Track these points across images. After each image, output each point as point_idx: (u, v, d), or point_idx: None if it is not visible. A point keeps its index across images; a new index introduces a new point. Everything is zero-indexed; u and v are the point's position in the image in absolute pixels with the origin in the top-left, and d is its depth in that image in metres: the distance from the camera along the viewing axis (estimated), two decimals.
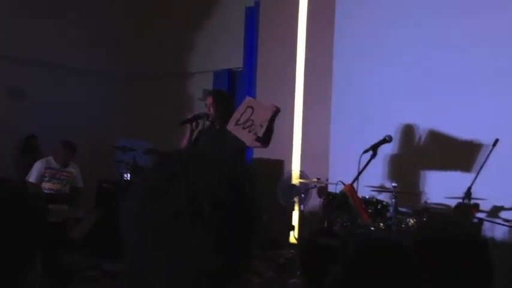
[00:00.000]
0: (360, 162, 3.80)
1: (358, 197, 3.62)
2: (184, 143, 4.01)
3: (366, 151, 3.84)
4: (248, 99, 4.13)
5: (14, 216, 0.88)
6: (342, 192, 3.54)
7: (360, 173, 3.71)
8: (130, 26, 8.81)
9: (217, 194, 0.69)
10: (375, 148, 3.82)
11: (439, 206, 4.94)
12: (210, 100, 4.16)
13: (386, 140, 4.03)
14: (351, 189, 3.50)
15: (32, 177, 5.50)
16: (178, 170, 0.71)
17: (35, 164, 5.60)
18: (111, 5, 8.65)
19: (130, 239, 0.71)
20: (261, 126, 3.96)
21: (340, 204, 3.50)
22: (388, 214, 4.69)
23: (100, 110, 8.37)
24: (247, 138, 3.99)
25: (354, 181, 3.69)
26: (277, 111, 4.03)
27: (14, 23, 7.55)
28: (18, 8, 7.63)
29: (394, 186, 4.67)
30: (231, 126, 3.98)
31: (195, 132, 4.07)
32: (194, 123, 4.09)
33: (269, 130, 4.04)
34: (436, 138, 5.32)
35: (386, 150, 5.47)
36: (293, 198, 5.87)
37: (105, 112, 8.41)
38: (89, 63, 8.28)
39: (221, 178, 0.71)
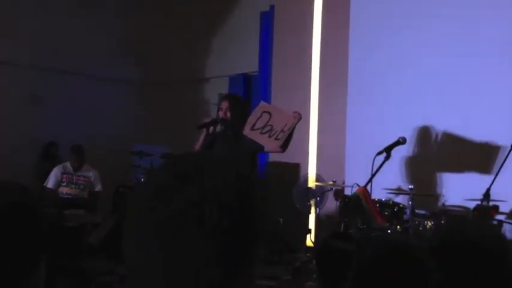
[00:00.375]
0: (373, 164, 3.76)
1: (371, 199, 3.58)
2: (197, 147, 4.00)
3: (379, 153, 3.79)
4: (263, 104, 4.12)
5: (13, 220, 0.88)
6: (355, 195, 3.50)
7: (373, 175, 3.67)
8: (148, 33, 8.89)
9: (224, 200, 0.68)
10: (388, 150, 3.77)
11: (457, 208, 4.87)
12: (226, 104, 4.10)
13: (400, 141, 3.98)
14: (364, 191, 3.46)
15: (50, 183, 5.59)
16: (186, 173, 0.70)
17: (53, 170, 5.69)
18: (129, 13, 8.74)
19: (130, 240, 0.70)
20: (283, 131, 3.94)
21: (354, 207, 3.46)
22: (405, 217, 4.64)
23: (117, 116, 8.45)
24: (267, 143, 3.98)
25: (367, 183, 3.65)
26: (300, 118, 4.03)
27: (35, 32, 7.68)
28: (39, 17, 7.76)
29: (410, 189, 4.62)
30: (247, 131, 3.97)
31: (209, 137, 4.05)
32: (211, 128, 4.06)
33: (291, 136, 4.04)
34: (454, 139, 5.26)
35: (403, 152, 5.42)
36: (309, 202, 5.85)
37: (122, 118, 8.49)
38: (107, 70, 8.38)
39: (229, 184, 0.70)
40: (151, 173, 0.75)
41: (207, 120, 4.05)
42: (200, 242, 0.66)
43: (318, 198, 5.79)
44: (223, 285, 0.68)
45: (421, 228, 4.63)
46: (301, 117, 4.05)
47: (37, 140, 7.66)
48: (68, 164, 5.68)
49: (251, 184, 0.74)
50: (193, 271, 0.66)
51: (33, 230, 0.90)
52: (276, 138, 3.96)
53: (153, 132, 8.51)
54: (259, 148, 4.07)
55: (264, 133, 3.96)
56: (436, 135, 5.41)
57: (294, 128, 4.02)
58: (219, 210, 0.67)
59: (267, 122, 3.96)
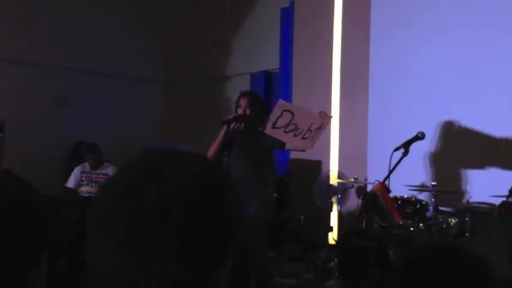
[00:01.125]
0: (390, 160, 3.69)
1: (389, 196, 3.52)
2: (216, 143, 3.99)
3: (397, 149, 3.73)
4: (282, 103, 4.09)
5: (8, 218, 0.88)
6: (373, 192, 3.45)
7: (391, 171, 3.61)
8: (169, 32, 8.96)
9: (190, 196, 0.64)
10: (406, 145, 3.70)
11: (483, 205, 4.77)
12: (245, 101, 4.06)
13: (419, 137, 3.90)
14: (381, 188, 3.41)
15: (70, 182, 5.69)
16: (152, 170, 0.66)
17: (74, 170, 5.78)
18: (150, 13, 8.82)
19: (93, 240, 0.67)
20: (310, 130, 3.91)
21: (372, 204, 3.41)
22: (428, 214, 4.57)
23: (141, 115, 8.54)
24: (294, 142, 3.96)
25: (384, 180, 3.59)
26: (330, 118, 4.04)
27: (58, 32, 7.81)
28: (62, 18, 7.89)
29: (433, 185, 4.54)
30: (268, 130, 3.96)
31: (229, 133, 4.04)
32: (233, 125, 4.05)
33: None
34: (478, 135, 5.15)
35: (426, 148, 5.34)
36: (330, 199, 5.81)
37: (145, 117, 8.58)
38: (130, 70, 8.48)
39: (197, 179, 0.66)
40: (118, 171, 0.71)
41: (229, 116, 4.04)
42: (164, 240, 0.62)
43: (339, 196, 5.74)
44: (189, 287, 0.64)
45: (444, 226, 4.56)
46: (331, 117, 4.04)
47: (64, 140, 7.79)
48: (87, 164, 5.75)
49: (223, 180, 0.70)
50: (157, 271, 0.62)
51: (29, 229, 0.90)
52: (303, 137, 3.94)
53: (175, 130, 8.56)
54: (280, 146, 4.05)
55: (288, 132, 3.93)
56: (460, 131, 5.31)
57: (324, 128, 4.01)
58: (185, 205, 0.63)
59: (290, 121, 3.93)
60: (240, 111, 4.04)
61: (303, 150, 4.12)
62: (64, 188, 5.80)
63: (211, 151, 3.96)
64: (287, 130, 3.93)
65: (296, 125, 3.92)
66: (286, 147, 4.10)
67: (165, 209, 0.63)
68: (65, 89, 7.95)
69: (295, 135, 3.92)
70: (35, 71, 7.69)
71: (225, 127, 3.95)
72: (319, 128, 3.96)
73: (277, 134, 3.94)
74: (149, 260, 0.63)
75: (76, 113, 7.98)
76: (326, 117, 4.03)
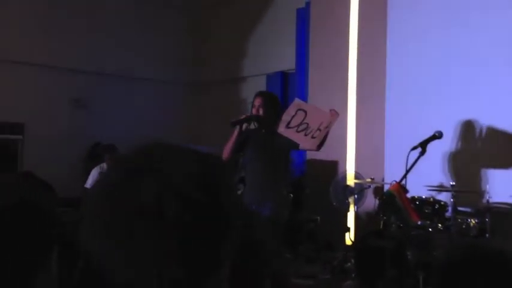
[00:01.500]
0: (407, 159, 3.64)
1: (406, 196, 3.47)
2: (230, 143, 3.97)
3: (414, 148, 3.67)
4: (297, 102, 4.05)
5: (15, 217, 0.89)
6: (389, 192, 3.40)
7: (408, 171, 3.56)
8: (186, 35, 9.01)
9: (185, 192, 0.63)
10: (424, 145, 3.64)
11: (503, 205, 4.69)
12: (259, 101, 4.04)
13: (436, 136, 3.83)
14: (398, 188, 3.36)
15: (89, 183, 5.76)
16: (143, 166, 0.65)
17: (92, 171, 5.85)
18: (169, 17, 8.88)
19: (89, 240, 0.65)
20: (319, 130, 3.88)
21: (389, 204, 3.37)
22: (447, 214, 4.50)
23: (159, 116, 8.59)
24: (304, 141, 3.91)
25: (401, 179, 3.54)
26: (338, 116, 3.95)
27: (76, 35, 7.91)
28: (81, 22, 7.98)
29: (452, 185, 4.47)
30: (282, 129, 3.91)
31: (243, 134, 4.03)
32: (245, 125, 4.02)
33: (326, 135, 3.98)
34: (497, 134, 5.07)
35: (444, 148, 5.27)
36: (347, 199, 5.77)
37: (163, 118, 8.62)
38: (148, 73, 8.55)
39: (191, 175, 0.64)
40: (108, 169, 0.69)
41: (240, 117, 4.02)
42: (160, 239, 0.61)
43: (356, 196, 5.70)
44: (188, 286, 0.63)
45: (464, 227, 4.49)
46: (338, 115, 3.97)
47: (83, 141, 7.87)
48: (105, 165, 5.81)
49: (220, 175, 0.69)
50: (155, 271, 0.61)
51: (37, 229, 0.91)
52: (312, 137, 3.90)
53: (194, 131, 8.60)
54: (294, 146, 4.00)
55: (300, 131, 3.89)
56: (479, 131, 5.23)
57: (331, 127, 3.96)
58: (180, 203, 0.61)
59: (303, 120, 3.90)
60: (254, 111, 4.02)
61: (317, 150, 4.07)
62: (84, 189, 5.87)
63: (225, 152, 3.95)
64: (299, 130, 3.90)
65: (307, 124, 3.89)
66: (300, 147, 4.06)
67: (159, 207, 0.61)
68: (83, 91, 8.04)
69: (305, 135, 3.89)
70: (54, 74, 7.79)
71: (237, 127, 3.94)
72: (327, 126, 3.92)
73: (290, 134, 3.90)
74: (146, 261, 0.61)
75: (94, 114, 8.07)
76: (335, 114, 3.98)
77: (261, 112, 3.99)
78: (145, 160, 0.66)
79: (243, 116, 4.00)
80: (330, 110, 3.99)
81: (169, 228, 0.61)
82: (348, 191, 5.76)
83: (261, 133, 4.04)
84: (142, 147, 0.69)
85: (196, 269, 0.63)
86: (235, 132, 3.94)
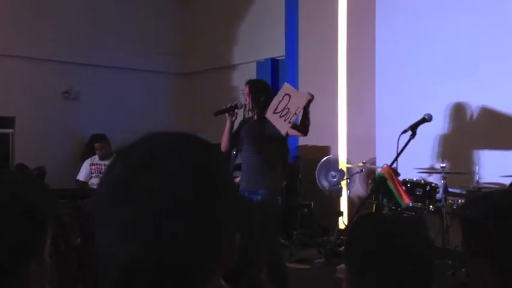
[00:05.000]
0: (398, 143, 3.69)
1: (397, 178, 3.52)
2: (225, 135, 4.01)
3: (404, 131, 3.71)
4: (286, 86, 4.05)
5: (8, 210, 0.92)
6: (381, 175, 3.45)
7: (398, 154, 3.61)
8: (174, 24, 8.97)
9: (185, 186, 0.65)
10: (414, 128, 3.68)
11: (493, 186, 4.76)
12: (246, 89, 4.06)
13: (426, 119, 3.86)
14: (389, 171, 3.41)
15: (81, 175, 5.77)
16: (139, 163, 0.66)
17: (83, 163, 5.85)
18: (158, 5, 8.83)
19: (99, 237, 0.67)
20: (295, 114, 3.87)
21: (380, 187, 3.42)
22: (438, 196, 4.57)
23: (149, 107, 8.57)
24: (282, 126, 3.89)
25: (392, 163, 3.59)
26: (311, 99, 3.91)
27: (68, 28, 7.87)
28: (71, 14, 7.93)
29: (442, 167, 4.54)
30: (269, 114, 3.90)
31: (235, 124, 4.05)
32: (232, 114, 4.01)
33: (306, 118, 3.96)
34: (486, 115, 5.13)
35: (434, 130, 5.32)
36: (339, 184, 5.83)
37: (153, 109, 8.60)
38: (138, 63, 8.51)
39: (190, 169, 0.66)
40: (113, 159, 0.70)
41: (225, 106, 4.03)
42: (156, 234, 0.64)
43: (348, 180, 5.76)
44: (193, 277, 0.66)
45: (455, 207, 4.56)
46: (312, 97, 3.92)
47: (81, 134, 7.86)
48: (96, 156, 5.81)
49: (218, 160, 0.71)
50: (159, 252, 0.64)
51: (26, 221, 0.94)
52: (289, 122, 3.88)
53: (184, 122, 8.59)
54: (279, 134, 3.97)
55: (282, 116, 3.88)
56: (468, 113, 5.29)
57: (307, 110, 3.92)
58: (173, 202, 0.64)
59: (286, 105, 3.89)
60: (243, 99, 4.05)
61: (303, 135, 4.08)
62: (76, 180, 5.88)
63: (223, 144, 4.00)
64: (282, 115, 3.88)
65: (289, 109, 3.87)
66: (282, 132, 3.96)
67: (162, 204, 0.64)
68: (74, 83, 8.01)
69: (285, 120, 3.87)
70: (44, 67, 7.74)
71: (227, 117, 3.96)
72: (302, 109, 3.88)
73: (273, 119, 3.89)
74: (149, 246, 0.64)
75: (85, 106, 8.04)
76: (309, 97, 3.92)
77: (247, 100, 4.00)
78: (140, 157, 0.67)
79: (228, 105, 4.01)
80: (309, 93, 3.96)
81: (162, 225, 0.64)
82: (339, 174, 5.82)
83: (252, 121, 4.06)
84: (133, 145, 0.70)
85: (200, 251, 0.67)
86: (227, 124, 3.96)
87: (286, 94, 3.90)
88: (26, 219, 0.93)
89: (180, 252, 0.65)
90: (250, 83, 4.13)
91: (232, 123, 3.98)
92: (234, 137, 4.03)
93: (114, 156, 0.70)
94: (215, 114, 3.98)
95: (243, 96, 4.08)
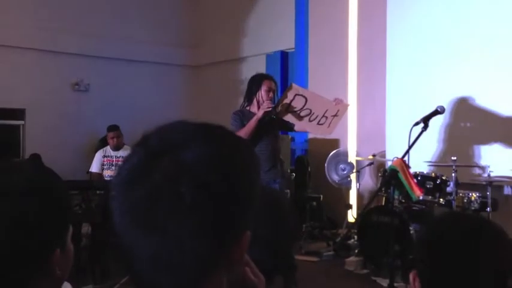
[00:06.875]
0: (410, 135, 3.66)
1: (408, 171, 3.50)
2: (249, 130, 4.03)
3: (416, 123, 3.67)
4: (294, 87, 4.08)
5: (37, 201, 0.93)
6: (392, 167, 3.43)
7: (410, 147, 3.57)
8: (184, 17, 8.96)
9: (200, 174, 0.64)
10: (426, 120, 3.64)
11: (504, 179, 4.72)
12: (273, 85, 4.22)
13: (438, 111, 3.82)
14: (401, 163, 3.38)
15: (93, 167, 5.77)
16: (159, 148, 0.66)
17: (96, 154, 5.85)
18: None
19: (115, 222, 0.67)
20: (325, 117, 4.01)
21: (391, 180, 3.40)
22: (448, 189, 4.53)
23: (159, 99, 8.60)
24: (309, 127, 4.11)
25: (404, 155, 3.56)
26: (347, 105, 4.21)
27: (80, 20, 7.88)
28: (83, 6, 7.94)
29: (453, 160, 4.50)
30: (283, 112, 4.00)
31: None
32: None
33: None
34: (498, 108, 5.07)
35: (445, 123, 5.29)
36: (349, 177, 5.81)
37: (163, 101, 8.62)
38: (148, 55, 8.53)
39: (206, 158, 0.66)
40: (128, 154, 0.70)
41: (269, 108, 4.19)
42: (178, 222, 0.63)
43: (358, 173, 5.74)
44: (213, 262, 0.66)
45: (465, 201, 4.53)
46: (348, 105, 4.21)
47: (84, 125, 7.89)
48: (108, 148, 5.82)
49: (237, 151, 0.70)
50: (175, 248, 0.64)
51: (54, 211, 0.95)
52: (318, 123, 4.02)
53: (194, 114, 8.60)
54: (289, 128, 4.19)
55: (304, 116, 4.01)
56: (479, 105, 5.23)
57: (341, 116, 4.10)
58: (195, 187, 0.63)
59: (304, 106, 3.99)
60: (270, 94, 4.07)
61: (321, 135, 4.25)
62: (88, 172, 5.90)
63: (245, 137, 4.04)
64: (302, 114, 4.00)
65: (310, 110, 4.00)
66: (296, 128, 4.18)
67: (176, 192, 0.63)
68: (84, 75, 8.04)
69: (310, 120, 4.02)
70: (54, 58, 7.77)
71: (260, 116, 4.00)
72: (335, 115, 4.04)
73: (290, 117, 4.04)
74: (165, 239, 0.64)
75: (95, 98, 8.07)
76: (343, 104, 4.12)
77: (270, 95, 4.08)
78: (161, 143, 0.67)
79: (271, 108, 4.03)
80: (335, 99, 4.09)
81: (184, 210, 0.63)
82: (349, 167, 5.80)
83: (270, 116, 4.10)
84: (156, 131, 0.70)
85: (218, 243, 0.66)
86: (254, 121, 3.97)
87: (297, 95, 3.95)
88: (49, 206, 0.94)
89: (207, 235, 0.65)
90: (275, 80, 4.24)
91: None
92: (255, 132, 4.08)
93: (136, 142, 0.70)
94: (264, 114, 3.97)
95: (270, 91, 4.09)
